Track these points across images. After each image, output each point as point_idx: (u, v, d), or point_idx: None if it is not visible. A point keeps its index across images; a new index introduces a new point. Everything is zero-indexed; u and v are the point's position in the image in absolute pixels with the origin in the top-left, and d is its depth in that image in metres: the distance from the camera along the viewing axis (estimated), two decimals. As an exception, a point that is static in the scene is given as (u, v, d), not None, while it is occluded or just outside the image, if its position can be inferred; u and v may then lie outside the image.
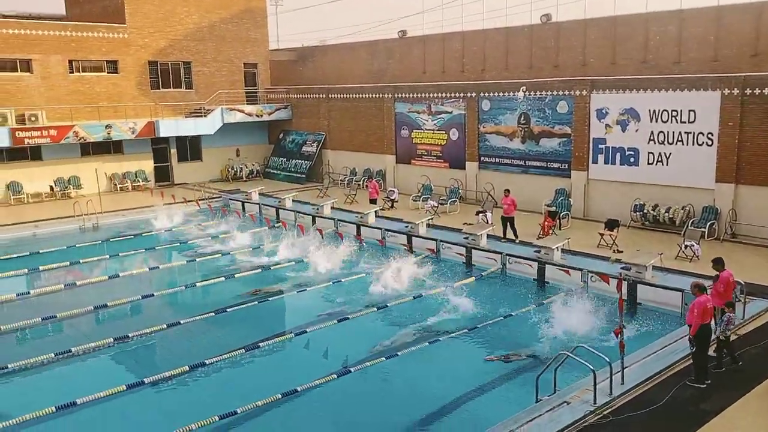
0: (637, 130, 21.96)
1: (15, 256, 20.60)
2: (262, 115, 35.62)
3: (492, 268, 18.20)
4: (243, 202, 27.85)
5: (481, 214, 22.19)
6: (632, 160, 22.20)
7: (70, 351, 13.13)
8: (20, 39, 29.09)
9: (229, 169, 35.54)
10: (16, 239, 22.85)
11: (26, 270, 19.18)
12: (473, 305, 15.50)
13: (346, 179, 32.21)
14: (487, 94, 26.60)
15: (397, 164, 30.88)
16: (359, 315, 15.12)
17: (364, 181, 31.46)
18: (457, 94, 27.71)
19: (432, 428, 10.43)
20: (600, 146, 23.09)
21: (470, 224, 21.85)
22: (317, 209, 24.68)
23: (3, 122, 27.82)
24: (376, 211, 23.63)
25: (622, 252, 18.12)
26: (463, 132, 27.72)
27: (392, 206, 26.42)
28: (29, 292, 17.12)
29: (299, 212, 25.27)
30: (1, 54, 28.67)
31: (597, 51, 25.25)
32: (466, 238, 19.59)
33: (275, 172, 35.92)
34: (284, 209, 25.92)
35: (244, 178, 35.30)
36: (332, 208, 24.99)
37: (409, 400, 11.17)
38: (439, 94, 28.47)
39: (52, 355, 12.97)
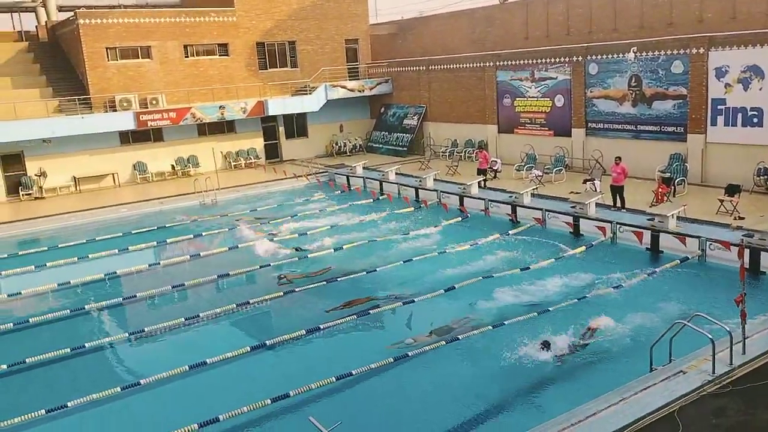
0: (761, 89, 20.43)
1: (145, 230, 22.38)
2: (363, 90, 36.17)
3: (601, 237, 17.74)
4: (348, 176, 28.58)
5: (588, 183, 21.59)
6: (755, 120, 20.71)
7: (198, 316, 14.24)
8: (140, 28, 31.11)
9: (334, 145, 36.46)
10: (144, 215, 24.75)
11: (155, 243, 20.81)
12: (582, 275, 15.25)
13: (448, 151, 32.20)
14: (594, 57, 25.59)
15: (500, 134, 30.47)
16: (466, 284, 15.28)
17: (465, 152, 31.34)
18: (562, 59, 26.85)
19: (545, 394, 10.52)
20: (719, 107, 21.70)
21: (577, 193, 21.35)
22: (420, 181, 24.92)
23: (128, 106, 30.02)
24: (480, 182, 23.57)
25: (743, 219, 17.11)
26: (568, 98, 26.89)
27: (495, 176, 26.22)
28: (159, 263, 18.60)
29: (402, 185, 25.62)
30: (124, 42, 30.83)
31: (715, 5, 23.59)
32: (573, 207, 19.17)
33: (377, 146, 36.47)
34: (387, 182, 26.37)
35: (348, 153, 36.11)
36: (434, 179, 25.14)
37: (520, 367, 11.26)
38: (543, 60, 27.70)
39: (183, 319, 14.12)
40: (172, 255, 19.42)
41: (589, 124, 26.29)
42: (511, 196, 21.32)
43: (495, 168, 26.43)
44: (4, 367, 12.08)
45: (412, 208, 23.29)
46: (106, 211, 25.11)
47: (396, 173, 26.99)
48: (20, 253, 20.46)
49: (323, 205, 24.90)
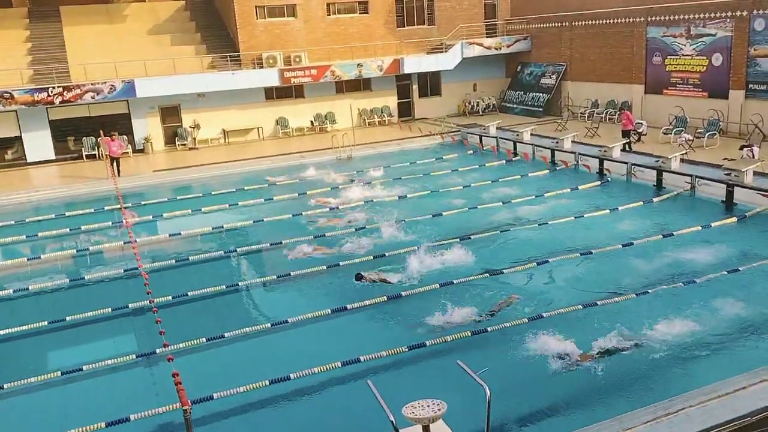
0: None
1: (287, 181, 23.64)
2: (500, 48, 35.33)
3: (758, 208, 16.44)
4: (481, 136, 28.32)
5: (745, 149, 19.99)
6: None
7: (338, 264, 14.99)
8: (287, -14, 32.32)
9: (466, 104, 36.13)
10: (286, 167, 26.08)
11: (296, 194, 21.94)
12: (732, 246, 14.31)
13: (587, 112, 30.88)
14: (762, 12, 23.25)
15: (646, 94, 28.73)
16: (604, 250, 14.87)
17: (606, 113, 29.91)
18: (724, 14, 24.64)
19: (690, 366, 10.17)
20: None
21: (732, 159, 19.83)
22: (556, 142, 24.21)
23: (273, 64, 31.45)
24: (625, 144, 22.51)
25: None
26: (727, 56, 24.75)
27: (639, 139, 24.89)
28: (301, 213, 19.62)
29: (537, 146, 25.02)
30: (272, 1, 32.16)
31: None
32: (728, 174, 17.85)
33: (511, 105, 35.68)
34: (522, 143, 25.85)
35: (481, 113, 35.67)
36: (573, 141, 24.31)
37: (657, 340, 10.89)
38: (702, 15, 25.57)
39: (324, 267, 14.91)
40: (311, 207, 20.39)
41: (750, 86, 24.10)
42: (657, 161, 20.20)
43: (640, 131, 25.05)
44: (170, 297, 13.42)
45: (548, 171, 22.75)
46: (252, 163, 26.73)
47: (531, 134, 26.36)
48: (178, 198, 22.40)
49: (455, 165, 24.93)
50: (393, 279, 13.99)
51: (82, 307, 13.12)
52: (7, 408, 10.19)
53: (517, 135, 26.42)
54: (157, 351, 11.01)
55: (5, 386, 10.36)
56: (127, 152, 29.37)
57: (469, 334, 11.11)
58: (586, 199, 19.14)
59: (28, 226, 19.71)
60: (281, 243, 16.79)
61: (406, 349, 10.72)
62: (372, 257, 15.35)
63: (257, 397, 9.74)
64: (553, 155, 23.85)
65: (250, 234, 18.20)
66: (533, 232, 16.71)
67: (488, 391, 5.85)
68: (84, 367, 10.79)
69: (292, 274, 14.64)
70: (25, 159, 28.81)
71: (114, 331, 12.65)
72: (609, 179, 20.95)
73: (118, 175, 24.61)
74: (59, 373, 10.71)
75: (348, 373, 10.26)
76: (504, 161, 24.85)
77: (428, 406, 6.22)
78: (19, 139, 28.69)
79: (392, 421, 5.61)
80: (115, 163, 24.95)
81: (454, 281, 13.51)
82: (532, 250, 15.35)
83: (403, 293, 13.06)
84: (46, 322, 12.66)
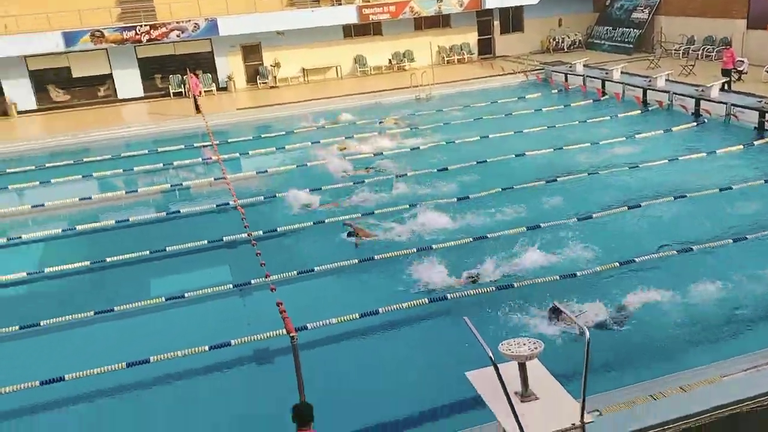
0: None
1: (364, 121, 23.65)
2: (589, -20, 33.48)
3: None
4: (566, 74, 27.25)
5: None
6: None
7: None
8: None
9: (551, 40, 34.72)
10: (364, 107, 26.06)
11: (376, 133, 21.94)
12: None
13: (682, 49, 29.07)
14: None
15: (748, 30, 26.68)
16: (699, 194, 14.25)
17: (704, 50, 28.08)
18: None
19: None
20: None
21: None
22: (649, 81, 23.02)
23: (352, 0, 31.01)
24: (724, 84, 21.18)
25: None
26: None
27: (740, 78, 23.32)
28: (382, 153, 19.66)
29: (628, 84, 23.88)
30: (350, -65, 31.48)
31: None
32: (840, 116, 16.57)
33: (599, 42, 34.02)
34: (611, 81, 24.71)
35: (566, 49, 34.24)
36: (667, 80, 23.04)
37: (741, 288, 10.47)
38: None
39: (407, 205, 14.99)
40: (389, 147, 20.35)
41: None
42: (759, 101, 18.95)
43: (741, 69, 23.44)
44: (260, 233, 13.88)
45: (640, 111, 21.77)
46: (331, 102, 26.82)
47: (621, 72, 25.13)
48: (263, 136, 22.86)
49: (539, 104, 24.22)
50: (478, 221, 13.92)
51: (180, 239, 13.81)
52: (117, 329, 10.98)
53: (606, 73, 25.25)
54: (254, 281, 11.51)
55: (115, 309, 11.15)
56: (211, 90, 30.06)
57: (558, 278, 11.01)
58: (680, 141, 18.29)
59: (123, 161, 20.67)
60: (364, 183, 16.94)
61: (494, 290, 10.77)
62: (455, 199, 15.28)
63: (346, 329, 10.08)
64: (645, 95, 22.71)
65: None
66: (624, 175, 16.15)
67: (588, 334, 5.79)
68: (186, 294, 11.44)
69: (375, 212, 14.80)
70: (116, 96, 30.00)
71: (212, 262, 13.29)
72: (706, 120, 19.85)
73: (199, 112, 25.30)
74: (163, 299, 11.39)
75: (436, 310, 10.44)
76: (591, 101, 23.92)
77: (525, 344, 6.25)
78: (110, 76, 29.82)
79: (490, 357, 5.67)
80: (194, 101, 25.68)
81: (541, 224, 13.32)
82: (622, 193, 14.90)
83: (488, 235, 12.98)
84: (148, 252, 13.44)
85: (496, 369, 5.66)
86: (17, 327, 10.79)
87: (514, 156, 18.16)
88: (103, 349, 10.34)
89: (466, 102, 25.30)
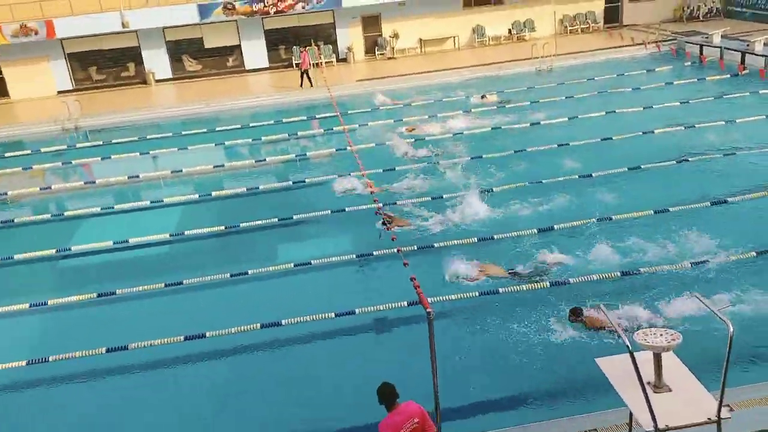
0: None
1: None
2: (733, -58, 30.89)
3: None
4: (701, 45, 25.49)
5: None
6: None
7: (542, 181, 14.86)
8: None
9: (685, 8, 32.50)
10: (483, 78, 25.76)
11: (495, 108, 21.70)
12: None
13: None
14: None
15: None
16: None
17: None
18: None
19: None
20: None
21: None
22: (798, 54, 21.15)
23: (473, -31, 30.50)
24: None
25: None
26: None
27: None
28: (500, 127, 19.46)
29: (772, 58, 22.04)
30: None
31: None
32: None
33: (741, 10, 31.42)
34: (753, 54, 22.88)
35: (701, 18, 31.95)
36: (820, 52, 21.06)
37: None
38: None
39: (527, 183, 14.85)
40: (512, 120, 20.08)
41: None
42: None
43: None
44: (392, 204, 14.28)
45: (783, 87, 20.12)
46: (449, 74, 26.70)
47: (765, 44, 23.19)
48: (380, 108, 23.24)
49: (670, 78, 22.91)
50: (608, 197, 13.57)
51: (305, 208, 14.51)
52: (249, 291, 11.80)
53: (747, 45, 23.41)
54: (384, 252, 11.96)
55: (249, 272, 11.98)
56: (332, 61, 30.79)
57: (689, 265, 10.61)
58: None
59: (251, 130, 21.77)
60: (481, 157, 16.91)
61: (619, 275, 10.55)
62: (577, 176, 14.94)
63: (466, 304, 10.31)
64: (789, 69, 20.93)
65: (449, 143, 18.49)
66: (765, 157, 15.09)
67: (732, 328, 5.63)
68: (312, 261, 12.08)
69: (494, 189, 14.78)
70: (243, 66, 31.44)
71: (335, 231, 13.88)
72: None
73: (311, 86, 26.05)
74: (292, 264, 12.09)
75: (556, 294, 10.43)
76: (729, 75, 22.29)
77: (662, 335, 6.18)
78: (238, 47, 31.25)
79: (627, 345, 5.67)
80: (305, 75, 26.27)
81: (670, 209, 12.78)
82: (762, 176, 13.96)
83: (614, 217, 12.63)
84: (275, 219, 14.24)
85: (633, 358, 5.67)
86: (163, 284, 11.84)
87: (641, 134, 17.40)
88: (236, 309, 11.15)
89: (589, 74, 24.36)
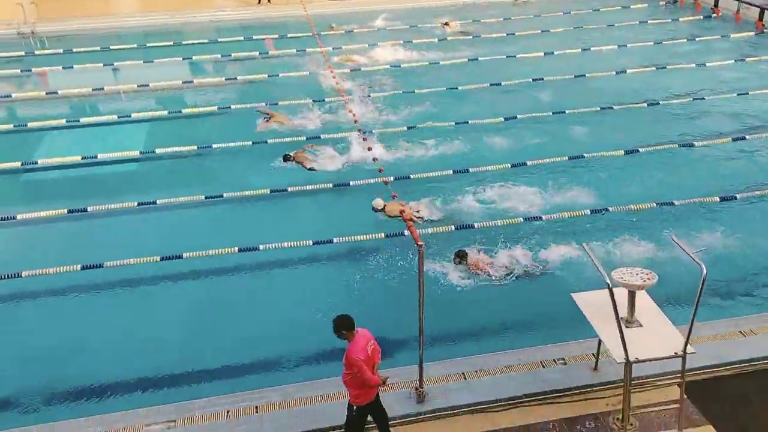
0: None
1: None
2: None
3: None
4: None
5: None
6: None
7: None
8: None
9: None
10: (458, 4, 25.20)
11: (459, 37, 21.41)
12: None
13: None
14: None
15: None
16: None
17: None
18: None
19: None
20: None
21: None
22: (769, 0, 21.33)
23: None
24: None
25: None
26: None
27: None
28: (477, 59, 19.31)
29: (744, 2, 22.12)
30: None
31: None
32: None
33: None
34: (727, -5, 22.95)
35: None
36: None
37: None
38: None
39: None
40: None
41: None
42: None
43: None
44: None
45: (753, 33, 20.36)
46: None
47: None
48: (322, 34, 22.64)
49: (644, 17, 22.87)
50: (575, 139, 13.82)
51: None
52: (224, 214, 11.77)
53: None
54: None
55: (224, 195, 11.90)
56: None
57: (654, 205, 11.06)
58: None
59: (217, 45, 21.03)
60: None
61: (589, 213, 10.91)
62: (551, 112, 15.09)
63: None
64: (762, 15, 21.05)
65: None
66: (729, 103, 15.52)
67: (705, 270, 6.00)
68: (289, 189, 12.06)
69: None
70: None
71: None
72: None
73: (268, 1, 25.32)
74: (268, 191, 12.05)
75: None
76: (703, 17, 22.40)
77: (638, 273, 6.54)
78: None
79: (607, 282, 6.00)
80: None
81: (640, 149, 13.12)
82: (727, 121, 14.43)
83: (586, 155, 12.89)
84: (250, 142, 14.08)
85: (612, 294, 6.01)
86: (135, 203, 11.67)
87: (614, 74, 17.53)
88: (211, 232, 11.18)
89: (566, 8, 24.08)
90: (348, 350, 6.15)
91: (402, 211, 10.22)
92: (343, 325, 6.14)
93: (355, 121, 13.25)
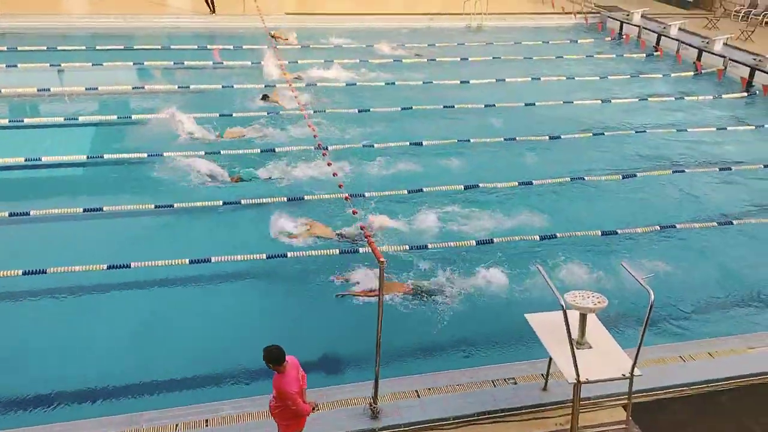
0: None
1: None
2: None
3: None
4: (622, 23, 26.59)
5: None
6: None
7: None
8: None
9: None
10: (412, 28, 25.65)
11: (411, 60, 21.79)
12: None
13: (743, 11, 28.23)
14: None
15: (817, 1, 25.89)
16: (745, 168, 14.51)
17: (765, 16, 27.31)
18: None
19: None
20: None
21: None
22: (706, 43, 22.61)
23: None
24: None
25: None
26: None
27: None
28: (432, 81, 19.66)
29: (684, 43, 23.43)
30: None
31: None
32: None
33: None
34: (667, 36, 24.23)
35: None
36: (725, 44, 22.60)
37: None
38: None
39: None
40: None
41: None
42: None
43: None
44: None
45: (692, 73, 21.52)
46: (379, 19, 26.34)
47: (679, 28, 24.60)
48: (312, 46, 22.72)
49: (590, 51, 23.89)
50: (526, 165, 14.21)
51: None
52: (175, 223, 11.55)
53: (664, 27, 24.73)
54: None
55: (174, 205, 11.68)
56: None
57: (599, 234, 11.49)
58: (729, 110, 18.28)
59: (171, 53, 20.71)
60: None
61: (538, 239, 11.23)
62: (503, 139, 15.52)
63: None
64: (699, 56, 22.30)
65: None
66: (669, 138, 16.32)
67: (653, 296, 6.28)
68: (242, 201, 11.94)
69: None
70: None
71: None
72: (757, 92, 19.73)
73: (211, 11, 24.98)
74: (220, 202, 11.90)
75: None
76: (645, 56, 23.54)
77: (589, 297, 6.79)
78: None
79: (562, 304, 6.21)
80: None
81: (585, 177, 13.65)
82: (666, 155, 15.17)
83: (534, 182, 13.30)
84: (203, 153, 13.86)
85: (565, 316, 6.22)
86: (81, 209, 11.39)
87: (561, 103, 18.18)
88: (160, 242, 10.97)
89: (517, 38, 24.88)
90: (280, 384, 5.97)
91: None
92: (274, 358, 5.90)
93: (315, 136, 13.25)
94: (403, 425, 7.15)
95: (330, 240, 10.89)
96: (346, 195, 9.21)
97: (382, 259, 6.52)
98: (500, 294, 9.90)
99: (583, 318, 6.84)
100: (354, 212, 9.28)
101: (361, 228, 7.83)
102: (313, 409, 6.33)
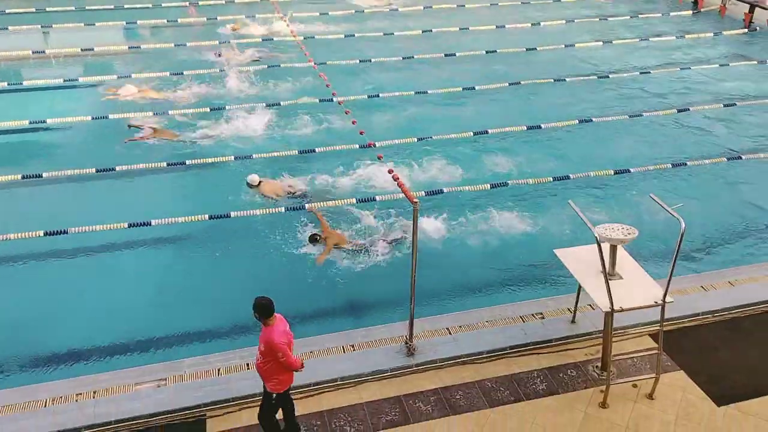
0: None
1: None
2: None
3: None
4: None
5: None
6: None
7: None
8: None
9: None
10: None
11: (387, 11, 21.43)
12: None
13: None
14: None
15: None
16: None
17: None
18: None
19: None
20: None
21: None
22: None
23: None
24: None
25: None
26: None
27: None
28: (430, 30, 19.41)
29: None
30: None
31: None
32: None
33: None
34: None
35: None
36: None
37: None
38: None
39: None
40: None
41: None
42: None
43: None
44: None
45: (691, 12, 21.33)
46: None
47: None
48: None
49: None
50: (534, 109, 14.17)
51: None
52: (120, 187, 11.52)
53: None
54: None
55: (116, 168, 11.63)
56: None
57: (612, 172, 11.56)
58: (729, 47, 18.28)
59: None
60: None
61: (551, 180, 11.30)
62: (507, 84, 15.43)
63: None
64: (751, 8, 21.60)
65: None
66: (673, 77, 16.33)
67: (683, 224, 6.38)
68: (187, 161, 11.92)
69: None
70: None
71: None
72: (758, 29, 19.66)
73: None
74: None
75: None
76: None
77: (620, 229, 6.89)
78: None
79: (596, 237, 6.33)
80: None
81: (593, 119, 13.66)
82: (671, 93, 15.21)
83: (542, 125, 13.28)
84: (208, 108, 13.76)
85: (599, 247, 6.34)
86: (19, 176, 10.83)
87: (563, 46, 18.02)
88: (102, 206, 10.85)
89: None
90: (270, 335, 5.75)
91: (277, 194, 10.62)
92: (264, 309, 5.74)
93: (328, 86, 13.15)
94: (438, 360, 7.33)
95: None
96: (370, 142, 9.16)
97: (415, 200, 6.58)
98: (523, 234, 10.07)
99: (613, 250, 6.96)
100: (380, 156, 9.30)
101: (389, 172, 7.83)
102: (301, 365, 5.99)
